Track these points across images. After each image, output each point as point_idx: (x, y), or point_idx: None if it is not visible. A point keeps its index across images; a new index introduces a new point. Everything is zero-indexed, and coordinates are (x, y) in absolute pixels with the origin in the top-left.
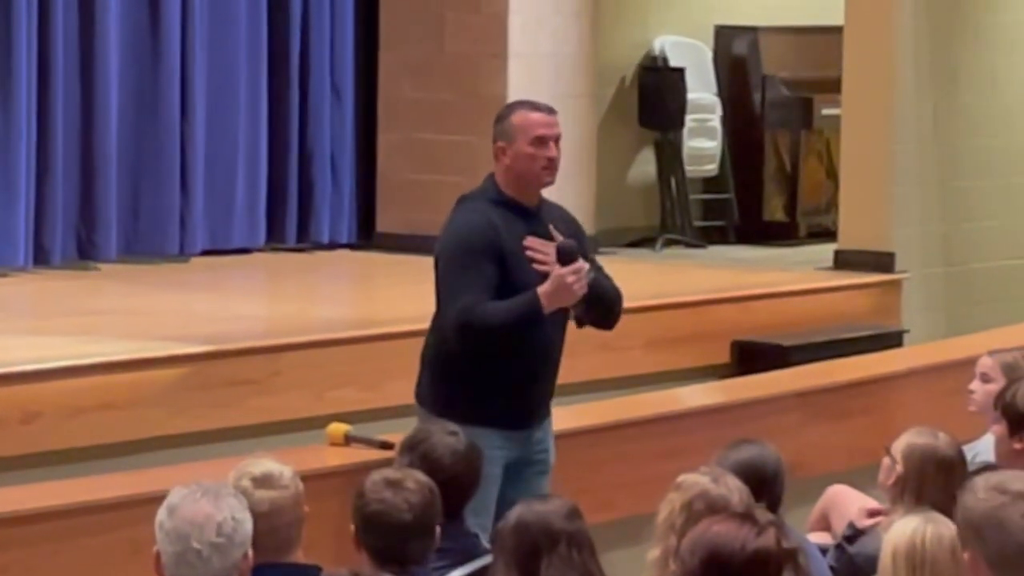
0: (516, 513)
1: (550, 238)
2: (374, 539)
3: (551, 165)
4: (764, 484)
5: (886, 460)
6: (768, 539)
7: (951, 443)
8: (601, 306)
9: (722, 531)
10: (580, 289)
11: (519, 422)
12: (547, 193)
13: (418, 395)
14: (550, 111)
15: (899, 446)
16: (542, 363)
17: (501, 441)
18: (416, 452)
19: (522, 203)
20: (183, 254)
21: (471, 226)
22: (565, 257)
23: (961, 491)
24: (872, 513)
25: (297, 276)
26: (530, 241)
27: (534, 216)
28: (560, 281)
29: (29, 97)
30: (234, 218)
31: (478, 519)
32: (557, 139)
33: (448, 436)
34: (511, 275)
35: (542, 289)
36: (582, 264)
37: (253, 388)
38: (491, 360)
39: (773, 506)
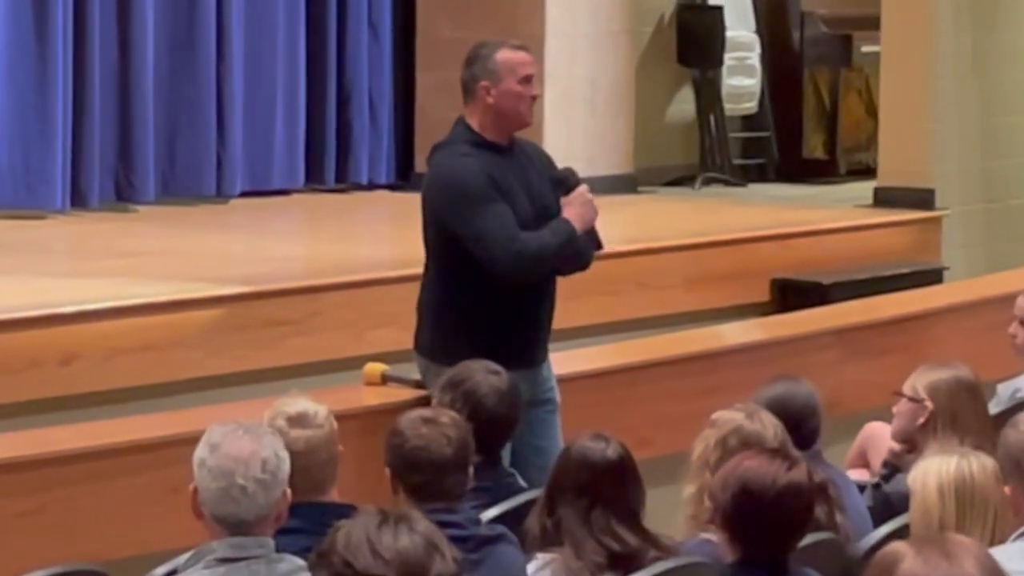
0: (578, 448)
1: (527, 175)
2: (416, 476)
3: (532, 103)
4: (793, 419)
5: (904, 404)
6: (799, 473)
7: (968, 369)
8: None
9: (753, 466)
10: (595, 207)
11: (527, 360)
12: (587, 130)
13: (418, 345)
14: (528, 50)
15: (921, 385)
16: (542, 298)
17: None
18: (458, 391)
19: (498, 143)
20: (221, 195)
21: (471, 168)
22: (568, 184)
23: (1006, 426)
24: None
25: (336, 217)
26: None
27: (509, 154)
28: (582, 200)
29: (65, 39)
30: (273, 159)
31: None
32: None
33: (491, 375)
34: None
35: (567, 214)
36: (584, 186)
37: (292, 329)
38: (494, 300)
39: (808, 441)
